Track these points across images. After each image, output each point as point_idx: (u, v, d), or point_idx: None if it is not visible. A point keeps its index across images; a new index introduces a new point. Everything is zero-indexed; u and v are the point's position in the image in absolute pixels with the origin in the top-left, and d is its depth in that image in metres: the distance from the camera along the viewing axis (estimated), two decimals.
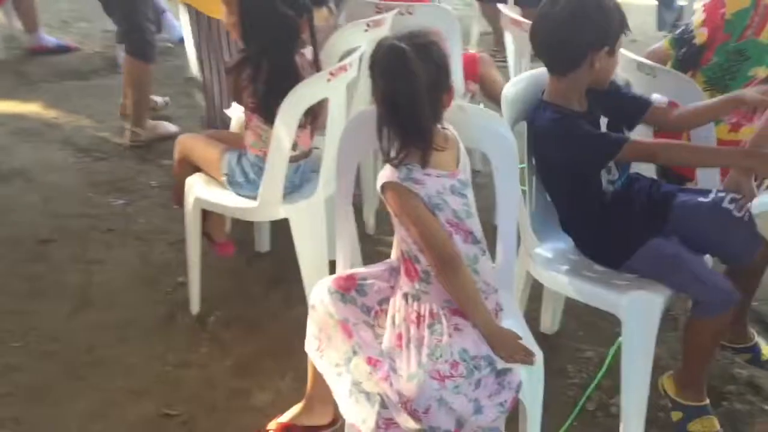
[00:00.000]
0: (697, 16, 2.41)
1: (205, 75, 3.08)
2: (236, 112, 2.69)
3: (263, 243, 2.95)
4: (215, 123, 3.14)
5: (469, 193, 1.74)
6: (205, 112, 3.29)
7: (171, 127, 3.93)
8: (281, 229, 2.85)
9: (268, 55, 2.29)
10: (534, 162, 2.05)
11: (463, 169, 1.75)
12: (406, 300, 1.71)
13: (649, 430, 2.06)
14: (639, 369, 1.94)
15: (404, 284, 1.74)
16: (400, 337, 1.66)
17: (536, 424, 1.76)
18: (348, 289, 1.78)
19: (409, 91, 1.61)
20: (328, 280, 1.81)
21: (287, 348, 2.43)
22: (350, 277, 1.80)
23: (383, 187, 1.69)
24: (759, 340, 2.38)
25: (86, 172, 3.63)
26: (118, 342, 2.48)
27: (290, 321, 2.56)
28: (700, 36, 2.37)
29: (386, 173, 1.69)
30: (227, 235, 2.77)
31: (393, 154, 1.67)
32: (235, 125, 2.73)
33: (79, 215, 3.24)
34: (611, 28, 1.90)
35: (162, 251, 2.98)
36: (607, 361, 2.34)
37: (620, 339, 2.32)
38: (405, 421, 1.57)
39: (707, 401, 2.08)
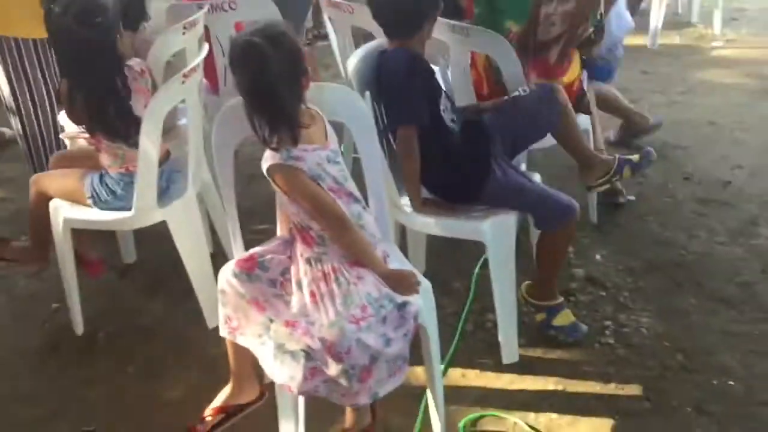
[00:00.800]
0: None
1: (21, 105, 2.95)
2: (70, 132, 2.71)
3: (130, 254, 2.99)
4: (40, 152, 3.06)
5: (341, 160, 1.96)
6: (23, 143, 3.08)
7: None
8: (144, 237, 2.94)
9: (88, 80, 2.30)
10: (384, 116, 2.27)
11: (332, 140, 1.96)
12: (310, 264, 1.90)
13: (520, 333, 2.40)
14: (506, 280, 2.28)
15: (304, 251, 1.92)
16: (313, 294, 1.85)
17: (435, 342, 2.04)
18: (251, 269, 1.93)
19: (268, 81, 1.79)
20: (231, 264, 1.94)
21: (184, 343, 2.54)
22: (250, 258, 1.95)
23: (269, 170, 1.86)
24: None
25: None
26: (10, 378, 2.45)
27: (180, 319, 2.66)
28: None
29: (269, 157, 1.86)
30: (95, 254, 2.80)
31: (267, 139, 1.85)
32: (68, 133, 2.75)
33: None
34: None
35: (25, 284, 2.92)
36: (472, 288, 2.68)
37: (478, 268, 2.69)
38: (329, 364, 1.77)
39: (561, 299, 2.46)
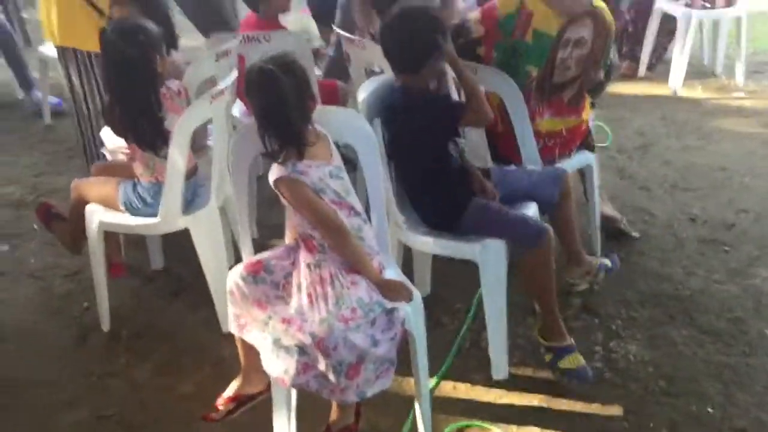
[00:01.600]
0: (474, 15, 2.83)
1: (88, 108, 3.33)
2: (108, 136, 2.96)
3: (157, 261, 3.21)
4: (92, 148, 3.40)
5: (345, 176, 2.16)
6: (82, 141, 3.47)
7: None
8: (172, 247, 3.17)
9: (126, 93, 2.53)
10: (389, 145, 2.46)
11: (336, 158, 2.16)
12: (310, 269, 2.08)
13: (513, 352, 2.55)
14: (496, 300, 2.44)
15: (306, 258, 2.11)
16: (309, 296, 2.03)
17: (422, 348, 2.19)
18: (257, 272, 2.13)
19: (280, 102, 2.01)
20: (240, 267, 2.15)
21: (199, 345, 2.74)
22: (257, 262, 2.16)
23: (276, 182, 2.06)
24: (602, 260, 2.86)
25: None
26: (39, 367, 2.66)
27: (197, 323, 2.86)
28: (478, 31, 2.79)
29: (275, 171, 2.07)
30: (121, 258, 3.05)
31: (276, 154, 2.06)
32: (110, 148, 3.02)
33: None
34: (443, 33, 2.39)
35: (60, 284, 3.16)
36: (473, 308, 2.83)
37: (480, 291, 2.84)
38: (319, 359, 1.94)
39: (570, 341, 2.48)
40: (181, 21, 3.49)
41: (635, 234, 3.31)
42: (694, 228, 3.38)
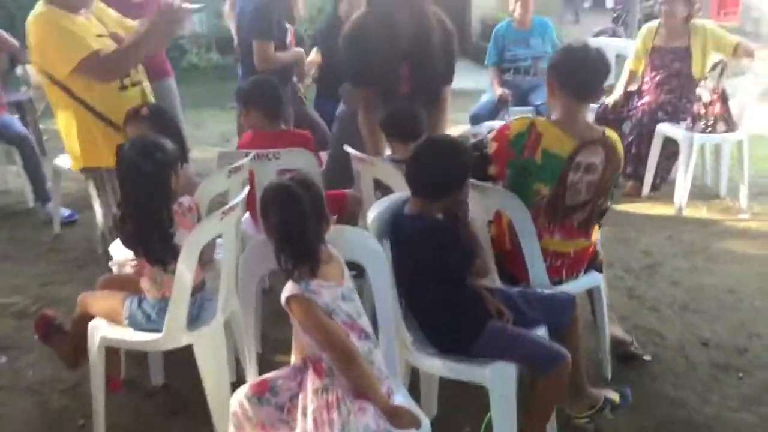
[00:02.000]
0: (492, 133, 2.87)
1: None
2: (117, 249, 2.97)
3: (158, 376, 3.14)
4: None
5: (356, 298, 2.14)
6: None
7: None
8: (173, 363, 3.11)
9: (139, 208, 2.56)
10: (397, 268, 2.44)
11: (347, 279, 2.15)
12: (317, 394, 2.04)
13: None
14: (507, 425, 2.37)
15: (314, 382, 2.06)
16: (315, 421, 1.97)
17: None
18: (262, 393, 2.09)
19: (297, 215, 2.03)
20: (245, 388, 2.10)
21: None
22: (263, 382, 2.11)
23: (288, 300, 2.05)
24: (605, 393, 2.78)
25: None
26: None
27: None
28: (491, 147, 2.81)
29: (288, 288, 2.06)
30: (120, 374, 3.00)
31: (289, 271, 2.06)
32: (117, 261, 3.02)
33: None
34: (470, 164, 2.47)
35: (57, 398, 3.08)
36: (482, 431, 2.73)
37: (489, 414, 2.75)
38: None
39: None
40: (191, 133, 3.56)
41: (647, 357, 3.24)
42: (707, 352, 3.32)
